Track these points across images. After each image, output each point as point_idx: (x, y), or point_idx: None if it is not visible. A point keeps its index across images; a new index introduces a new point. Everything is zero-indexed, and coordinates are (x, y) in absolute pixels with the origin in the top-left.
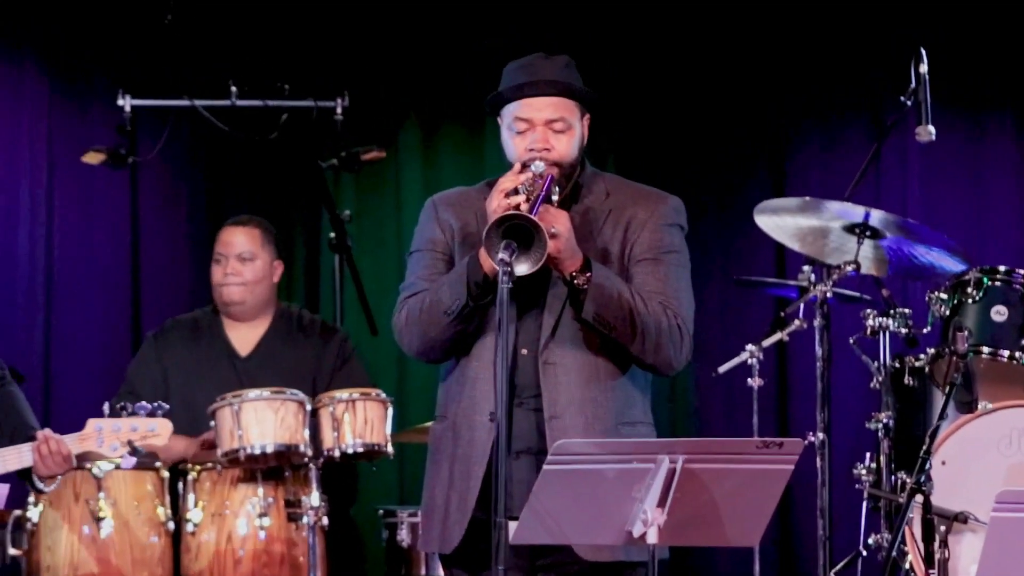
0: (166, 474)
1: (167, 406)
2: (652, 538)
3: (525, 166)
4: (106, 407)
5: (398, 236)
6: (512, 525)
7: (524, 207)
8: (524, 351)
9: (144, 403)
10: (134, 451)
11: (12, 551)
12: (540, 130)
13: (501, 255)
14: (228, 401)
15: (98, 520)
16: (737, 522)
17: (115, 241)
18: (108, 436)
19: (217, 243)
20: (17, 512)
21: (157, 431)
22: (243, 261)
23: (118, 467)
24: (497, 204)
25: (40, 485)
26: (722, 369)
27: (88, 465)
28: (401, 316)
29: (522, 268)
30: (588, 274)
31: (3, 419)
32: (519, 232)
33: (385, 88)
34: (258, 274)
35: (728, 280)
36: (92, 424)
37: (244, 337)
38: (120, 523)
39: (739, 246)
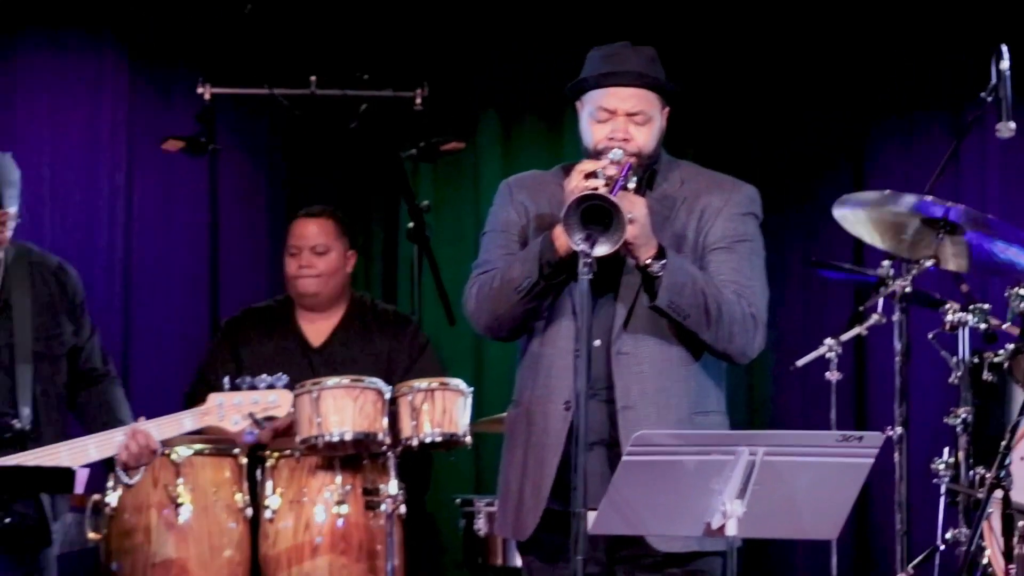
0: (244, 460)
1: (287, 378)
2: (731, 530)
3: (603, 153)
4: (226, 382)
5: (476, 226)
6: (590, 516)
7: (603, 191)
8: (597, 342)
9: (264, 376)
10: (256, 424)
11: (91, 535)
12: (621, 120)
13: (582, 246)
14: (307, 388)
15: (176, 505)
16: (815, 515)
17: (193, 230)
18: (229, 410)
19: (290, 235)
20: (96, 496)
21: (278, 403)
22: (317, 254)
23: (241, 441)
24: (576, 184)
25: (124, 478)
26: (800, 363)
27: (167, 451)
28: (472, 291)
29: (600, 250)
30: (663, 261)
31: (98, 414)
32: (597, 213)
33: (465, 79)
34: (332, 266)
35: (807, 274)
36: (213, 399)
37: (317, 328)
38: (198, 509)
39: (818, 240)
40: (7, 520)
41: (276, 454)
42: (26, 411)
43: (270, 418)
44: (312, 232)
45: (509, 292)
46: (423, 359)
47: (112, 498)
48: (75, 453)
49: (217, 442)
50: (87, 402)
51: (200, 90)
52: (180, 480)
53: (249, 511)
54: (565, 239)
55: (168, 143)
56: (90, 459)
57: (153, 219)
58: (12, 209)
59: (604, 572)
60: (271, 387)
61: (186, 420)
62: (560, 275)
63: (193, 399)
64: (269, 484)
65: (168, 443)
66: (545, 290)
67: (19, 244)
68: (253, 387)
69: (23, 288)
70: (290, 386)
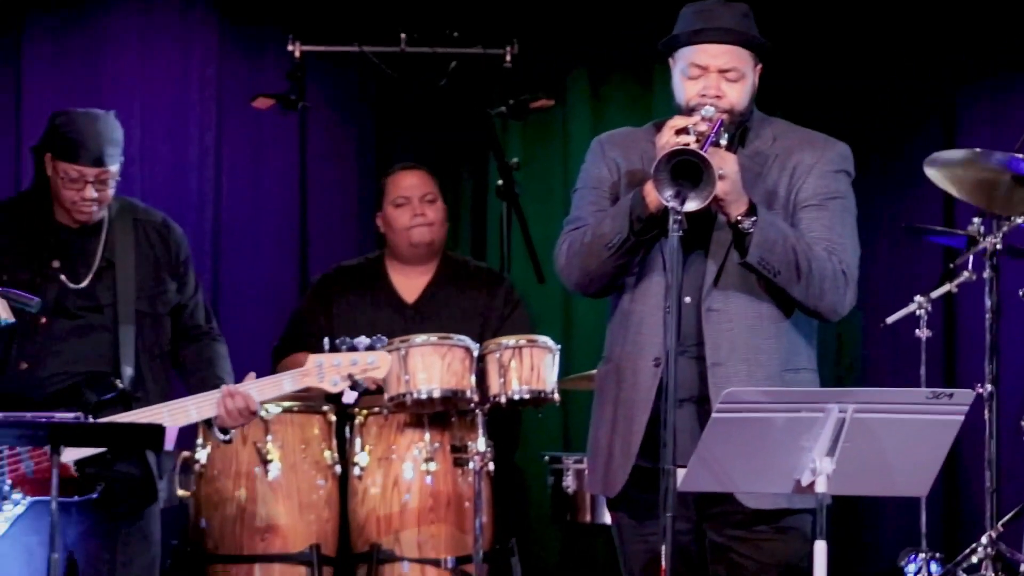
0: (333, 418)
1: (386, 339)
2: (821, 487)
3: (695, 110)
4: (326, 342)
5: (565, 184)
6: (680, 473)
7: (694, 147)
8: (687, 299)
9: (363, 337)
10: (355, 385)
11: (180, 492)
12: (713, 77)
13: (672, 202)
14: (395, 346)
15: (266, 463)
16: (905, 472)
17: (283, 187)
18: (329, 371)
19: (395, 187)
20: (185, 453)
21: (377, 364)
22: (428, 202)
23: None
24: (667, 140)
25: (220, 436)
26: (890, 320)
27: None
28: (563, 248)
29: (690, 205)
30: (753, 218)
31: (199, 371)
32: (688, 169)
33: (554, 36)
34: (440, 215)
35: (897, 231)
36: (312, 360)
37: (411, 284)
38: (287, 466)
39: (908, 198)
40: (99, 487)
41: (365, 411)
42: (128, 371)
43: (369, 380)
44: (419, 182)
45: (600, 248)
46: (514, 317)
47: (202, 455)
48: (175, 414)
49: (306, 399)
50: (189, 360)
51: (290, 47)
52: (269, 437)
53: (338, 468)
54: (655, 195)
55: (258, 101)
56: (191, 420)
57: (242, 177)
58: (114, 168)
59: (693, 529)
60: (371, 348)
61: (286, 381)
62: (651, 231)
63: (282, 353)
64: (358, 441)
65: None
66: (636, 246)
67: (124, 200)
68: (353, 348)
69: (127, 246)
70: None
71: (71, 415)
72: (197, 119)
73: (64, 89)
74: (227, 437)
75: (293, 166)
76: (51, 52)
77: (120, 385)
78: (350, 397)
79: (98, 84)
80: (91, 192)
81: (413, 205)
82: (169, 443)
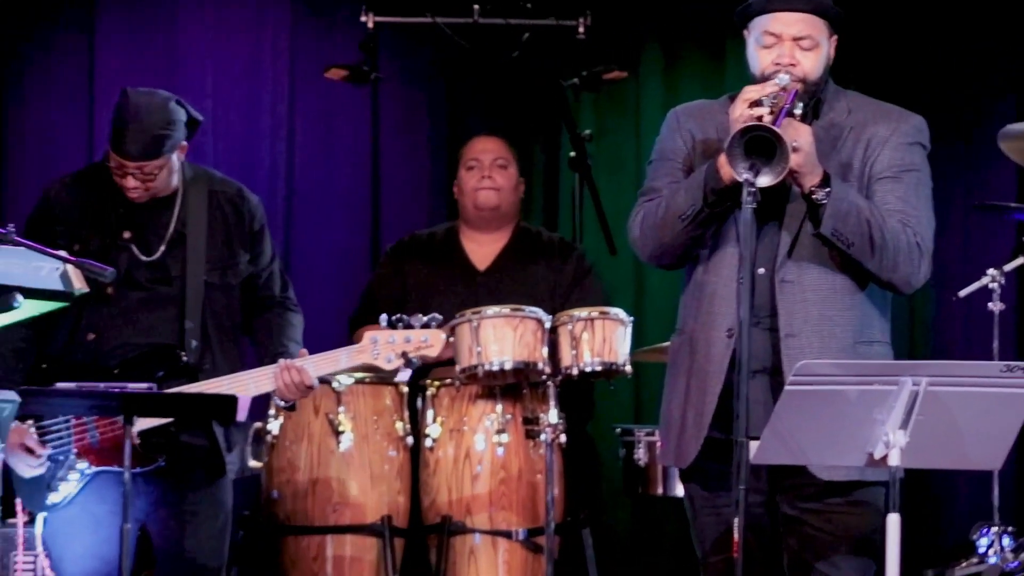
0: (405, 389)
1: (440, 317)
2: (894, 460)
3: (769, 79)
4: (383, 319)
5: (637, 157)
6: (752, 445)
7: (767, 119)
8: (761, 270)
9: (419, 315)
10: (408, 363)
11: (252, 463)
12: (788, 45)
13: (745, 175)
14: (467, 318)
15: (338, 434)
16: (979, 446)
17: (355, 158)
18: (383, 348)
19: (468, 151)
20: (257, 424)
21: (430, 342)
22: (498, 167)
23: (394, 380)
24: (740, 113)
25: (281, 403)
26: (963, 293)
27: (328, 379)
28: (637, 219)
29: (763, 180)
30: (827, 189)
31: (268, 342)
32: (761, 144)
33: (627, 8)
34: (511, 182)
35: (970, 204)
36: (368, 336)
37: (483, 252)
38: (359, 437)
39: (982, 171)
40: (162, 458)
41: (437, 383)
42: (194, 343)
43: (422, 357)
44: (492, 147)
45: (674, 220)
46: (585, 284)
47: (274, 426)
48: (234, 387)
49: (378, 370)
50: (259, 330)
51: (363, 18)
52: (341, 408)
53: (410, 439)
54: (729, 169)
55: (331, 72)
56: (248, 394)
57: (315, 148)
58: (156, 161)
59: (766, 501)
60: (426, 326)
61: (342, 357)
62: (724, 203)
63: (358, 324)
64: (430, 413)
65: (359, 370)
66: (709, 218)
67: (200, 170)
68: (409, 325)
69: (199, 217)
70: (450, 317)
71: (144, 385)
72: (270, 90)
73: (136, 61)
74: (288, 404)
75: (365, 137)
76: (124, 23)
77: (184, 358)
78: (404, 375)
79: (171, 55)
80: (132, 181)
81: (483, 168)
82: (242, 414)
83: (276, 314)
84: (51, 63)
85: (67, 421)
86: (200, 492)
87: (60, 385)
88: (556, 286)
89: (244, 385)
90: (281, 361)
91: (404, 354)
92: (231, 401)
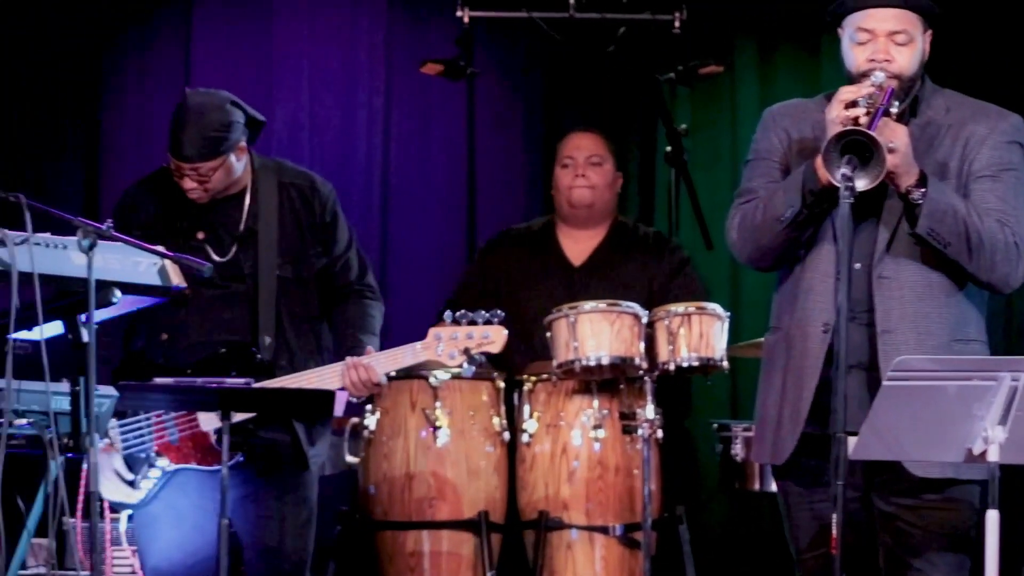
0: (501, 384)
1: (502, 313)
2: (993, 456)
3: (865, 76)
4: (447, 315)
5: (732, 151)
6: (850, 441)
7: (864, 120)
8: (857, 265)
9: (482, 311)
10: (471, 359)
11: (349, 458)
12: (882, 41)
13: (843, 170)
14: (564, 313)
15: (434, 429)
16: None
17: (451, 153)
18: (447, 344)
19: (564, 148)
20: (354, 420)
21: (491, 338)
22: (592, 165)
23: (459, 376)
24: (837, 114)
25: (355, 399)
26: None
27: (425, 374)
28: (734, 222)
29: (860, 184)
30: (923, 189)
31: (345, 332)
32: (858, 146)
33: (723, 2)
34: (606, 179)
35: None
36: (432, 333)
37: (579, 247)
38: (456, 432)
39: None
40: (239, 455)
41: (533, 378)
42: (267, 339)
43: (485, 353)
44: (587, 144)
45: (772, 222)
46: (682, 276)
47: (371, 421)
48: (302, 385)
49: (443, 367)
50: (336, 321)
51: (459, 13)
52: (438, 404)
53: (506, 435)
54: (826, 171)
55: (427, 67)
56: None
57: (411, 142)
58: (210, 163)
59: (861, 497)
60: (488, 322)
61: (408, 354)
62: (822, 204)
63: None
64: (526, 408)
65: (425, 366)
66: (807, 220)
67: (269, 163)
68: (472, 322)
69: (270, 212)
70: (545, 312)
71: (241, 381)
72: (366, 85)
73: (233, 56)
74: (361, 400)
75: (461, 132)
76: (221, 17)
77: (259, 356)
78: (468, 372)
79: (267, 51)
80: (189, 183)
81: (577, 166)
82: (339, 409)
83: (352, 304)
84: (148, 57)
85: (148, 420)
86: (284, 486)
87: (158, 381)
88: (652, 281)
89: (312, 383)
90: (348, 359)
91: (466, 350)
92: (328, 396)
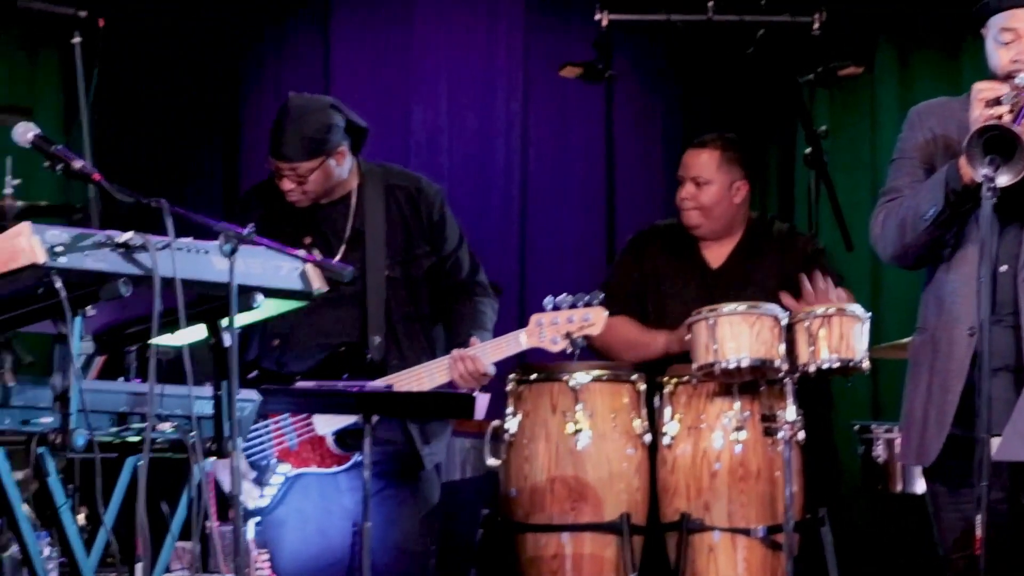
0: (642, 387)
1: (601, 295)
2: None
3: (1009, 76)
4: (547, 301)
5: (872, 153)
6: (995, 442)
7: (1007, 118)
8: (1003, 267)
9: (581, 293)
10: (573, 343)
11: (490, 461)
12: None
13: (984, 171)
14: (704, 315)
15: (575, 431)
16: None
17: (589, 155)
18: (548, 330)
19: (681, 164)
20: (495, 422)
21: (592, 320)
22: (698, 185)
23: (599, 378)
24: (979, 113)
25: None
26: None
27: (565, 377)
28: (878, 220)
29: (1003, 179)
30: None
31: (456, 328)
32: (1001, 143)
33: (862, 4)
34: (713, 198)
35: None
36: (534, 319)
37: (716, 251)
38: (597, 435)
39: None
40: (355, 456)
41: (674, 380)
42: (377, 340)
43: (587, 336)
44: (694, 163)
45: (916, 220)
46: (817, 264)
47: (512, 424)
48: (412, 382)
49: (615, 368)
50: (447, 318)
51: (597, 16)
52: (579, 406)
53: (648, 437)
54: (969, 169)
55: (565, 69)
56: (425, 387)
57: (549, 145)
58: (308, 164)
59: (1008, 498)
60: (588, 304)
61: (511, 343)
62: (966, 203)
63: None
64: (667, 410)
65: (565, 369)
66: (951, 219)
67: (375, 167)
68: (573, 306)
69: (377, 214)
70: (684, 315)
71: (382, 384)
72: (504, 87)
73: (371, 58)
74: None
75: (599, 135)
76: (360, 20)
77: (368, 356)
78: (571, 357)
79: (406, 53)
80: (288, 184)
81: (685, 186)
82: (480, 412)
83: (463, 302)
84: (285, 65)
85: (266, 427)
86: (401, 485)
87: (300, 384)
88: (785, 272)
89: (421, 379)
90: (454, 351)
91: (568, 334)
92: (468, 400)
